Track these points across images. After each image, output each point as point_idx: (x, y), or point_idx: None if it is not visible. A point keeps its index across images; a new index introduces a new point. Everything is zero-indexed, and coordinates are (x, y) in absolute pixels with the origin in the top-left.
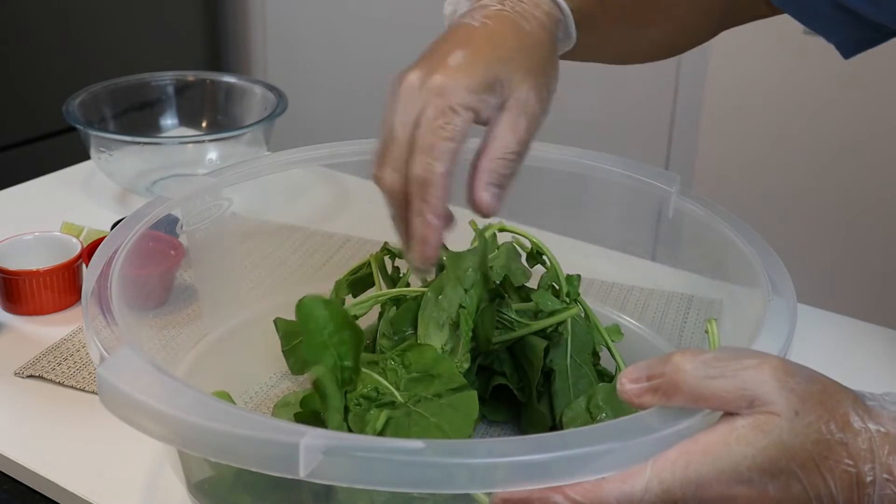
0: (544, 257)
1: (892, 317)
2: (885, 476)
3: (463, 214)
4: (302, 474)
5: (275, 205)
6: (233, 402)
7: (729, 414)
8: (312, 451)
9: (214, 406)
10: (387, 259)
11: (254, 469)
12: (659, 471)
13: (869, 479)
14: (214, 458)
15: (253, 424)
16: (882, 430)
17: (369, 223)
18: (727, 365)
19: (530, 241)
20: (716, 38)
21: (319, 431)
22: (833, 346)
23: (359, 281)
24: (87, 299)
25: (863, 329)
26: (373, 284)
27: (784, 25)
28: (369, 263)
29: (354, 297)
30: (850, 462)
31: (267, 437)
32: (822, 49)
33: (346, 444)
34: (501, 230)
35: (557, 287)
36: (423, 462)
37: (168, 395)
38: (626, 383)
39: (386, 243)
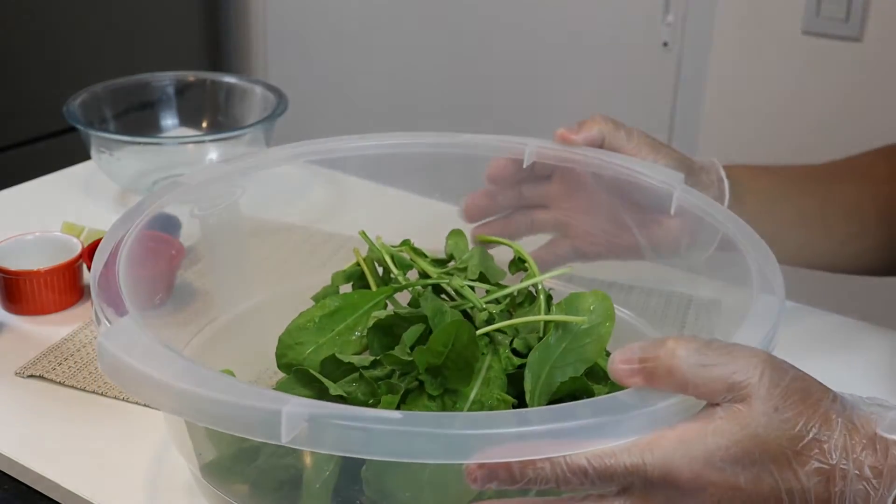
0: (526, 264)
1: (892, 317)
2: (856, 472)
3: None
4: (284, 440)
5: (275, 204)
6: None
7: (711, 404)
8: (295, 419)
9: (203, 374)
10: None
11: (238, 434)
12: (633, 453)
13: (841, 475)
14: (198, 421)
15: (240, 392)
16: (857, 428)
17: (369, 223)
18: (718, 356)
19: (512, 248)
20: (716, 37)
21: (302, 400)
22: (832, 346)
23: (355, 273)
24: (95, 278)
25: (862, 329)
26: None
27: (784, 25)
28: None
29: (353, 287)
30: (824, 459)
31: (251, 403)
32: (821, 49)
33: (328, 413)
34: (483, 241)
35: (535, 293)
36: (399, 431)
37: (161, 364)
38: (618, 363)
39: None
